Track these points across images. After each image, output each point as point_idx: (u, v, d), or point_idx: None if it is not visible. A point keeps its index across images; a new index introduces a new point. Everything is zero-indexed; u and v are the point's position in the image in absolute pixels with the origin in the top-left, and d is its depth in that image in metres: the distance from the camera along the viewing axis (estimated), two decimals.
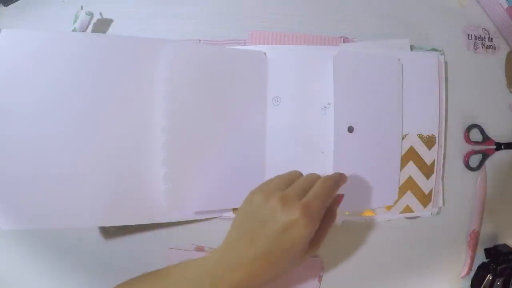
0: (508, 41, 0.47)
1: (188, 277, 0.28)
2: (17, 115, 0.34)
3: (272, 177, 0.32)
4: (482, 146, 0.45)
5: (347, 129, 0.40)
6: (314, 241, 0.29)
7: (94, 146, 0.35)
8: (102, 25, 0.41)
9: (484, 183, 0.45)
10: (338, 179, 0.31)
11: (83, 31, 0.39)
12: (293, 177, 0.31)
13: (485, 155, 0.45)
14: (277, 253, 0.26)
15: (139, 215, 0.37)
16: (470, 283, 0.45)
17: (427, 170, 0.42)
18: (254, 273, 0.26)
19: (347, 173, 0.39)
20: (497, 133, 0.46)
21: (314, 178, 0.30)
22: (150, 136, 0.37)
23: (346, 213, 0.41)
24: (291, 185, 0.29)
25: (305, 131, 0.40)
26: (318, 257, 0.42)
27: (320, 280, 0.42)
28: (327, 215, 0.31)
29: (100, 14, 0.41)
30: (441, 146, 0.43)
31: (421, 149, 0.42)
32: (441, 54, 0.44)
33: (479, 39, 0.47)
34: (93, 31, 0.40)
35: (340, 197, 0.33)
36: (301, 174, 0.32)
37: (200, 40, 0.42)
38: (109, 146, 0.36)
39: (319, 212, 0.27)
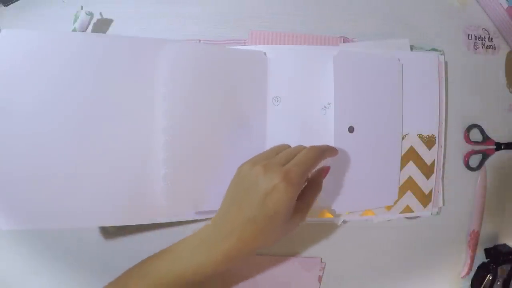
0: (508, 41, 0.47)
1: (189, 248, 0.30)
2: (17, 115, 0.34)
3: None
4: (482, 146, 0.45)
5: (347, 129, 0.40)
6: (299, 209, 0.31)
7: (94, 146, 0.35)
8: (102, 25, 0.41)
9: (484, 183, 0.45)
10: (324, 149, 0.33)
11: (83, 31, 0.39)
12: (281, 148, 0.34)
13: (485, 155, 0.45)
14: (262, 218, 0.28)
15: (139, 215, 0.37)
16: (470, 283, 0.45)
17: (427, 170, 0.42)
18: (244, 240, 0.28)
19: (347, 173, 0.40)
20: (497, 133, 0.46)
21: (300, 149, 0.32)
22: (150, 136, 0.37)
23: (346, 213, 0.41)
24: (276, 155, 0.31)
25: (305, 131, 0.40)
26: (318, 257, 0.42)
27: (320, 280, 0.42)
28: (312, 185, 0.33)
29: (100, 14, 0.41)
30: (441, 146, 0.43)
31: (421, 149, 0.42)
32: (441, 54, 0.44)
33: (479, 39, 0.47)
34: (93, 31, 0.40)
35: (325, 169, 0.35)
36: (288, 146, 0.34)
37: (200, 40, 0.42)
38: (109, 146, 0.36)
39: (299, 178, 0.28)
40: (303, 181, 0.30)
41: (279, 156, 0.31)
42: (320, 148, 0.33)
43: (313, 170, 0.32)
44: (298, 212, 0.30)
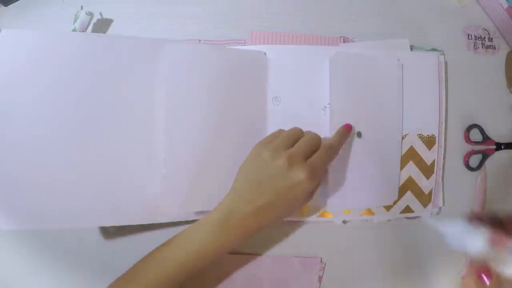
0: (508, 41, 0.47)
1: (203, 227, 0.32)
2: (17, 115, 0.34)
3: (275, 131, 0.36)
4: (482, 146, 0.45)
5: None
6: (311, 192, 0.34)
7: (94, 146, 0.35)
8: (102, 25, 0.41)
9: (484, 183, 0.45)
10: (340, 143, 0.37)
11: (83, 31, 0.39)
12: (296, 134, 0.35)
13: (485, 155, 0.45)
14: (283, 205, 0.31)
15: (139, 215, 0.37)
16: None
17: (427, 170, 0.42)
18: (261, 219, 0.32)
19: (347, 173, 0.40)
20: (497, 133, 0.46)
21: (316, 139, 0.34)
22: (150, 136, 0.37)
23: (346, 212, 0.41)
24: (295, 144, 0.33)
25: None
26: (318, 257, 0.42)
27: (320, 280, 0.42)
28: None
29: (100, 14, 0.41)
30: (441, 146, 0.43)
31: (421, 149, 0.42)
32: (441, 54, 0.44)
33: (479, 39, 0.47)
34: (93, 31, 0.40)
35: (348, 125, 0.39)
36: (302, 131, 0.36)
37: (200, 40, 0.42)
38: (109, 146, 0.36)
39: (320, 175, 0.32)
40: (322, 177, 0.33)
41: (300, 148, 0.33)
42: (337, 144, 0.36)
43: None
44: (309, 196, 0.34)
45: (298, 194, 0.31)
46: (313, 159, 0.32)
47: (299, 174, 0.30)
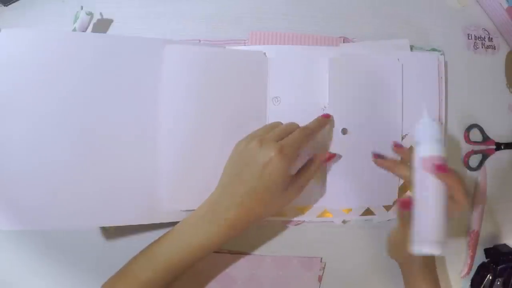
0: (508, 41, 0.47)
1: (190, 222, 0.33)
2: (16, 115, 0.34)
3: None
4: (482, 146, 0.45)
5: (340, 131, 0.40)
6: (296, 183, 0.34)
7: (95, 147, 0.35)
8: (102, 25, 0.41)
9: (484, 183, 0.45)
10: (314, 128, 0.36)
11: (83, 31, 0.39)
12: (274, 125, 0.36)
13: (485, 155, 0.45)
14: (262, 188, 0.31)
15: (139, 215, 0.37)
16: (470, 283, 0.45)
17: None
18: (246, 209, 0.31)
19: (346, 173, 0.40)
20: (497, 133, 0.46)
21: (293, 126, 0.35)
22: (150, 136, 0.37)
23: (346, 212, 0.41)
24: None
25: None
26: (318, 257, 0.42)
27: (320, 280, 0.42)
28: (311, 164, 0.36)
29: (100, 14, 0.41)
30: None
31: None
32: (441, 54, 0.44)
33: (479, 39, 0.47)
34: (93, 31, 0.40)
35: (329, 156, 0.38)
36: (281, 124, 0.37)
37: (200, 40, 0.42)
38: (110, 146, 0.36)
39: (292, 152, 0.31)
40: (296, 155, 0.32)
41: (274, 132, 0.34)
42: (312, 127, 0.36)
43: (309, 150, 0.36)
44: (294, 184, 0.34)
45: (273, 174, 0.30)
46: (284, 139, 0.32)
47: (269, 152, 0.30)
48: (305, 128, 0.35)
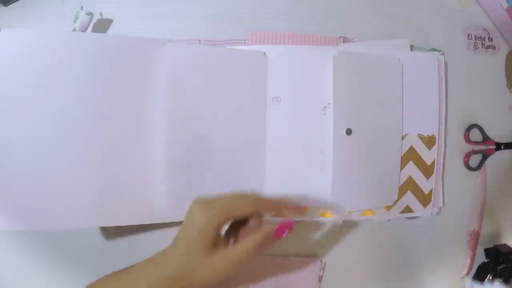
0: (508, 41, 0.47)
1: (150, 280, 0.28)
2: (16, 115, 0.34)
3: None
4: (482, 146, 0.45)
5: (345, 131, 0.40)
6: (227, 253, 0.28)
7: (94, 146, 0.35)
8: (102, 25, 0.41)
9: (484, 183, 0.45)
10: (260, 204, 0.31)
11: (83, 31, 0.39)
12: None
13: (485, 155, 0.45)
14: (187, 244, 0.28)
15: (139, 215, 0.37)
16: (470, 283, 0.45)
17: (427, 170, 0.42)
18: (172, 265, 0.28)
19: (347, 173, 0.40)
20: (497, 133, 0.46)
21: (240, 196, 0.30)
22: (150, 136, 0.37)
23: (346, 212, 0.41)
24: None
25: (305, 131, 0.40)
26: (318, 257, 0.42)
27: (320, 280, 0.42)
28: (254, 237, 0.29)
29: (100, 14, 0.41)
30: (441, 146, 0.43)
31: (421, 149, 0.42)
32: (441, 54, 0.44)
33: (479, 39, 0.47)
34: (93, 31, 0.40)
35: (285, 224, 0.30)
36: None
37: (200, 40, 0.42)
38: (109, 146, 0.36)
39: (216, 208, 0.28)
40: (221, 214, 0.28)
41: (218, 193, 0.30)
42: (257, 201, 0.30)
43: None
44: (226, 254, 0.28)
45: (194, 226, 0.27)
46: (217, 197, 0.29)
47: (194, 203, 0.29)
48: (259, 199, 0.31)
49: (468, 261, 0.44)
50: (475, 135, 0.45)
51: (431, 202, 0.43)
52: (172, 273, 0.28)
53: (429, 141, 0.43)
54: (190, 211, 0.29)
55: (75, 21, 0.39)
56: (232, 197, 0.30)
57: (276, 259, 0.41)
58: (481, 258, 0.45)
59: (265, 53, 0.40)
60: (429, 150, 0.43)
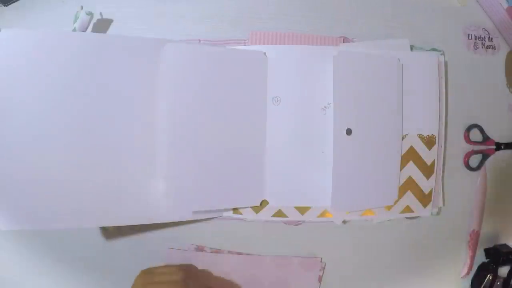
0: (508, 41, 0.47)
1: None
2: (17, 115, 0.34)
3: None
4: (482, 146, 0.45)
5: (345, 131, 0.40)
6: None
7: (95, 146, 0.35)
8: (102, 25, 0.41)
9: (484, 183, 0.45)
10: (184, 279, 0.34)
11: (83, 31, 0.39)
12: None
13: (485, 155, 0.45)
14: None
15: (139, 215, 0.37)
16: (470, 283, 0.45)
17: (427, 170, 0.42)
18: None
19: (347, 173, 0.40)
20: (497, 133, 0.46)
21: (175, 270, 0.35)
22: (150, 136, 0.37)
23: (346, 213, 0.41)
24: None
25: (305, 131, 0.40)
26: (318, 257, 0.42)
27: (320, 280, 0.42)
28: None
29: (100, 14, 0.41)
30: (441, 146, 0.43)
31: (421, 149, 0.42)
32: (441, 54, 0.44)
33: (479, 39, 0.47)
34: (93, 31, 0.40)
35: None
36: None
37: (200, 40, 0.42)
38: (110, 146, 0.36)
39: (142, 277, 0.33)
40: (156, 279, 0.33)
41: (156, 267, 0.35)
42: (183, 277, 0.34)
43: None
44: None
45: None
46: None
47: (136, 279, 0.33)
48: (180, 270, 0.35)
49: (468, 261, 0.44)
50: (475, 135, 0.45)
51: (431, 202, 0.43)
52: None
53: (429, 141, 0.43)
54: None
55: (75, 21, 0.39)
56: (158, 270, 0.34)
57: (276, 259, 0.41)
58: (481, 258, 0.45)
59: (265, 53, 0.40)
60: (429, 150, 0.43)
